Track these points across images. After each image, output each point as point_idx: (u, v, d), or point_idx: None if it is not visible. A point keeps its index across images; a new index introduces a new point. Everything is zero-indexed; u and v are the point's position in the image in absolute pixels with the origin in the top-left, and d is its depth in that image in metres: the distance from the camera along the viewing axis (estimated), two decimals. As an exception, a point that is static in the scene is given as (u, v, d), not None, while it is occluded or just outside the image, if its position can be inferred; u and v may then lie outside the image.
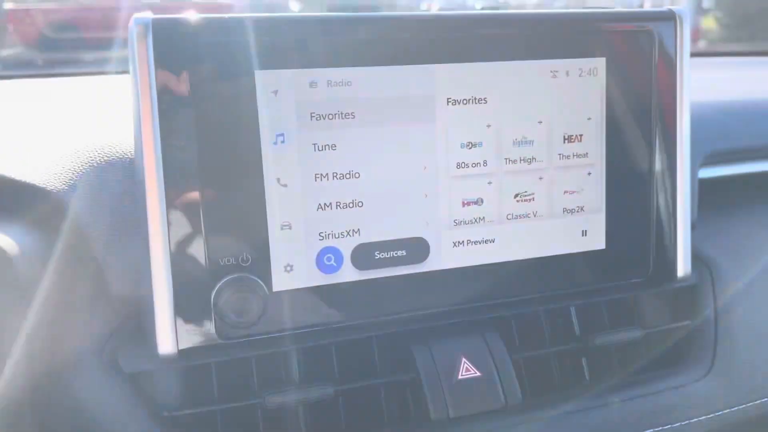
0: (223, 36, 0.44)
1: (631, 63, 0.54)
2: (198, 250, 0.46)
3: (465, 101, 0.50)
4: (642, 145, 0.55)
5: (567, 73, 0.52)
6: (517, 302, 0.54)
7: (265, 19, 0.45)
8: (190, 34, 0.44)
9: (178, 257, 0.45)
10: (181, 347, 0.46)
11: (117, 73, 0.93)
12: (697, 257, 0.63)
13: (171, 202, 0.45)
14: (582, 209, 0.54)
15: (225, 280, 0.46)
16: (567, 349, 0.57)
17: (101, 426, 0.46)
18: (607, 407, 0.53)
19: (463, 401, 0.50)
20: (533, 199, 0.53)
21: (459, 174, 0.51)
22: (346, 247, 0.49)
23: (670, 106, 0.55)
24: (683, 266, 0.58)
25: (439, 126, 0.50)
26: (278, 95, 0.46)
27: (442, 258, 0.51)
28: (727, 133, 0.69)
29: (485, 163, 0.51)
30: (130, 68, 0.44)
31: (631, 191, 0.55)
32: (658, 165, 0.56)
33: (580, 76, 0.53)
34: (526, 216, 0.53)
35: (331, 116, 0.47)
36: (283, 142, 0.46)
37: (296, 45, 0.46)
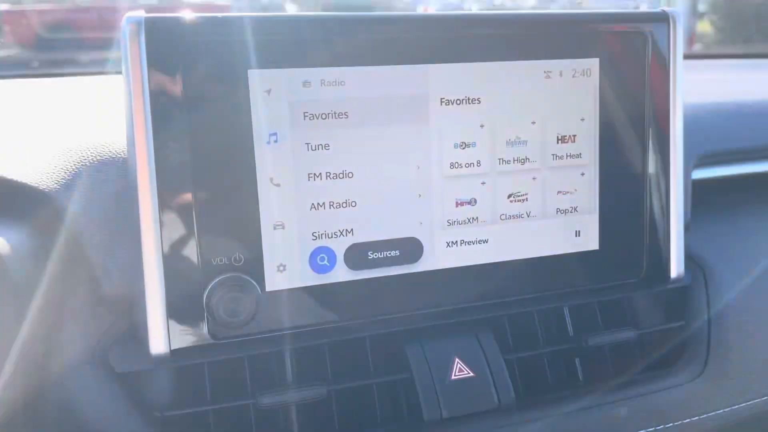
0: (216, 35, 0.44)
1: (624, 64, 0.54)
2: (190, 249, 0.45)
3: (458, 101, 0.50)
4: (635, 146, 0.55)
5: (560, 74, 0.52)
6: (511, 303, 0.54)
7: (258, 19, 0.45)
8: (183, 32, 0.44)
9: (171, 257, 0.45)
10: (173, 347, 0.46)
11: (110, 73, 0.93)
12: (690, 258, 0.64)
13: (163, 201, 0.44)
14: (575, 210, 0.54)
15: (217, 279, 0.46)
16: (560, 350, 0.57)
17: (92, 426, 0.46)
18: (600, 408, 0.53)
19: (456, 402, 0.50)
20: (527, 199, 0.53)
21: (452, 174, 0.51)
22: (340, 247, 0.49)
23: (664, 107, 0.55)
24: (676, 267, 0.58)
25: (432, 126, 0.50)
26: (271, 94, 0.46)
27: (436, 258, 0.51)
28: (721, 134, 0.69)
29: (479, 163, 0.51)
30: (123, 67, 0.44)
31: (624, 192, 0.56)
32: (651, 166, 0.56)
33: (573, 76, 0.53)
34: (520, 216, 0.53)
35: (324, 116, 0.47)
36: (276, 141, 0.46)
37: (289, 44, 0.46)
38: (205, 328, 0.46)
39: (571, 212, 0.54)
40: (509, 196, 0.53)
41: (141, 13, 0.43)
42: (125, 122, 0.45)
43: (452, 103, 0.50)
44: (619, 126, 0.54)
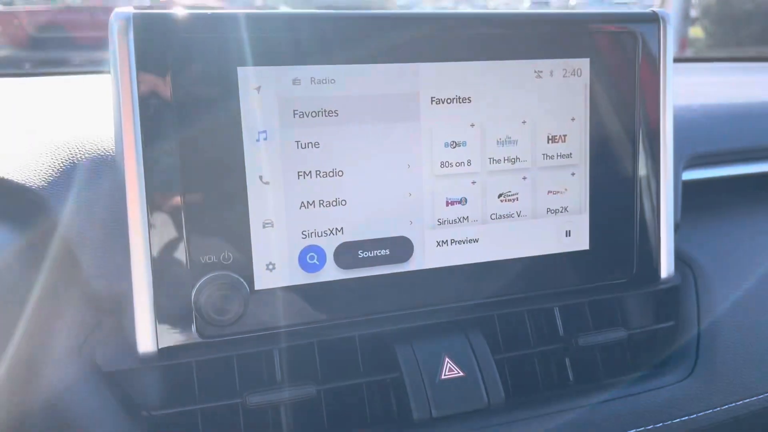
0: (206, 31, 0.44)
1: (615, 64, 0.54)
2: (179, 247, 0.45)
3: (449, 100, 0.50)
4: (625, 146, 0.55)
5: (551, 73, 0.52)
6: (501, 302, 0.54)
7: (248, 15, 0.45)
8: (172, 29, 0.43)
9: (159, 255, 0.45)
10: (161, 346, 0.45)
11: (101, 72, 0.93)
12: (680, 258, 0.64)
13: (152, 199, 0.44)
14: (566, 210, 0.55)
15: (206, 278, 0.46)
16: (550, 350, 0.57)
17: (79, 426, 0.46)
18: (590, 408, 0.53)
19: (446, 401, 0.50)
20: (517, 199, 0.53)
21: (443, 173, 0.51)
22: (329, 245, 0.49)
23: (654, 108, 0.55)
24: (666, 267, 0.58)
25: (423, 125, 0.50)
26: (261, 92, 0.46)
27: (426, 257, 0.51)
28: (711, 135, 0.69)
29: (469, 162, 0.51)
30: (111, 63, 0.43)
31: (614, 192, 0.56)
32: (641, 166, 0.56)
33: (564, 76, 0.53)
34: (510, 216, 0.53)
35: (314, 114, 0.47)
36: (265, 139, 0.46)
37: (280, 41, 0.46)
38: (193, 327, 0.46)
39: (561, 212, 0.54)
40: (499, 196, 0.53)
41: (129, 9, 0.43)
42: (113, 119, 0.44)
43: (443, 102, 0.50)
44: (609, 126, 0.54)
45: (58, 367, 0.46)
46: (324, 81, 0.47)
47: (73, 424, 0.45)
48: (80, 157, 0.50)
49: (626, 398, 0.55)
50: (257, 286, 0.47)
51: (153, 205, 0.44)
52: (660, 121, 0.56)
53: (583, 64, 0.53)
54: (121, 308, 0.47)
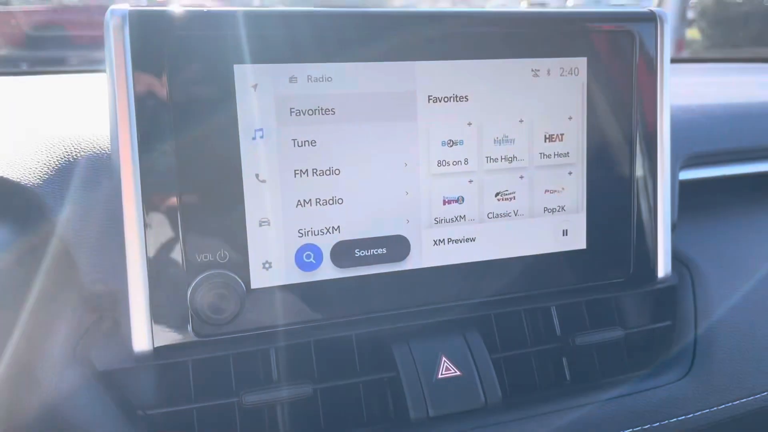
0: (202, 29, 0.44)
1: (612, 63, 0.54)
2: (175, 246, 0.45)
3: (446, 99, 0.50)
4: (623, 146, 0.55)
5: (548, 72, 0.52)
6: (498, 301, 0.54)
7: (245, 13, 0.45)
8: (169, 26, 0.43)
9: (155, 253, 0.45)
10: (156, 345, 0.45)
11: (99, 71, 0.93)
12: (677, 258, 0.64)
13: (148, 197, 0.44)
14: (563, 209, 0.54)
15: (202, 276, 0.46)
16: (547, 349, 0.57)
17: (74, 426, 0.45)
18: (587, 407, 0.53)
19: (442, 400, 0.50)
20: (514, 198, 0.53)
21: (440, 172, 0.51)
22: (326, 244, 0.49)
23: (651, 107, 0.55)
24: (663, 267, 0.58)
25: (420, 123, 0.50)
26: (257, 90, 0.45)
27: (423, 256, 0.51)
28: (708, 135, 0.69)
29: (466, 161, 0.51)
30: (106, 60, 0.43)
31: (611, 191, 0.56)
32: (638, 165, 0.56)
33: (561, 75, 0.53)
34: (507, 215, 0.53)
35: (311, 112, 0.47)
36: (261, 137, 0.46)
37: (277, 39, 0.46)
38: (189, 326, 0.46)
39: (558, 211, 0.54)
40: (497, 195, 0.53)
41: (125, 6, 0.43)
42: (109, 117, 0.44)
43: (440, 101, 0.50)
44: (606, 125, 0.54)
45: (54, 367, 0.46)
46: (321, 79, 0.47)
47: (68, 424, 0.45)
48: (77, 155, 0.50)
49: (623, 398, 0.55)
50: (253, 285, 0.47)
51: (149, 203, 0.44)
52: (657, 120, 0.56)
53: (581, 63, 0.53)
54: (116, 307, 0.47)
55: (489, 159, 0.52)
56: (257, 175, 0.46)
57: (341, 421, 0.51)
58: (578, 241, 0.55)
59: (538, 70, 0.52)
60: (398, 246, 0.50)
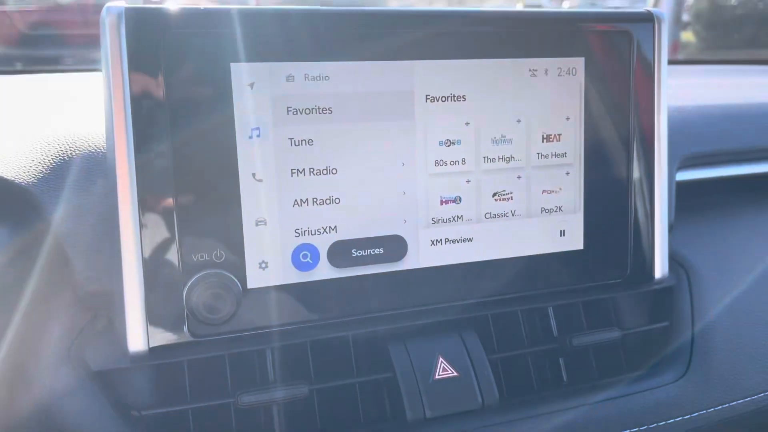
0: (199, 27, 0.44)
1: (609, 63, 0.54)
2: (170, 245, 0.45)
3: (444, 98, 0.50)
4: (620, 146, 0.55)
5: (546, 72, 0.52)
6: (495, 302, 0.54)
7: (242, 11, 0.45)
8: (165, 24, 0.43)
9: (150, 253, 0.44)
10: (152, 345, 0.45)
11: (95, 70, 0.92)
12: (674, 259, 0.64)
13: (143, 195, 0.44)
14: (560, 209, 0.54)
15: (198, 276, 0.45)
16: (545, 350, 0.57)
17: (68, 426, 0.45)
18: (584, 408, 0.53)
19: (439, 401, 0.50)
20: (511, 198, 0.53)
21: (437, 172, 0.51)
22: (323, 244, 0.48)
23: (648, 107, 0.55)
24: (661, 268, 0.58)
25: (417, 123, 0.49)
26: (254, 88, 0.45)
27: (420, 256, 0.51)
28: (705, 136, 0.69)
29: (464, 161, 0.51)
30: (102, 58, 0.43)
31: (609, 192, 0.55)
32: (636, 166, 0.56)
33: (559, 75, 0.53)
34: (504, 215, 0.53)
35: (308, 111, 0.47)
36: (258, 136, 0.46)
37: (274, 38, 0.45)
38: (184, 326, 0.46)
39: (555, 211, 0.54)
40: (494, 195, 0.52)
41: (121, 3, 0.43)
42: (104, 115, 0.44)
43: (437, 100, 0.50)
44: (604, 125, 0.54)
45: (48, 367, 0.46)
46: (318, 78, 0.47)
47: (62, 424, 0.45)
48: (72, 154, 0.50)
49: (620, 399, 0.54)
50: (250, 285, 0.47)
51: (144, 202, 0.44)
52: (654, 120, 0.56)
53: (578, 63, 0.53)
54: (111, 306, 0.46)
55: (486, 159, 0.52)
56: (254, 175, 0.46)
57: (337, 422, 0.51)
58: (575, 241, 0.55)
59: (536, 70, 0.52)
60: (395, 246, 0.50)
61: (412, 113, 0.49)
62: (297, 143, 0.47)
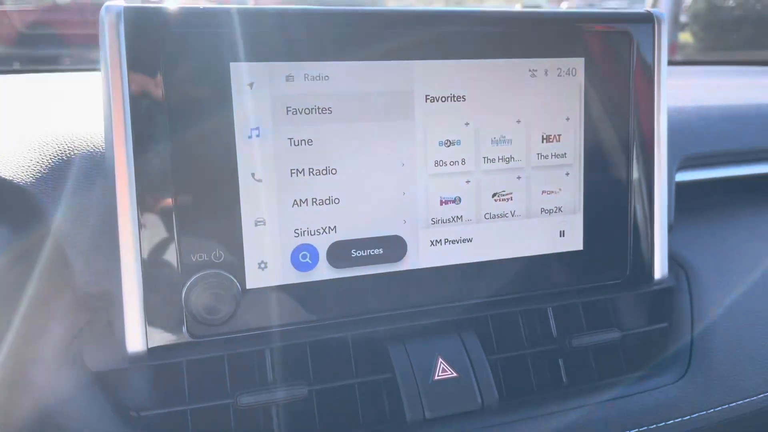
0: (198, 26, 0.43)
1: (609, 64, 0.54)
2: (169, 245, 0.45)
3: (443, 98, 0.50)
4: (620, 147, 0.55)
5: (546, 72, 0.52)
6: (495, 302, 0.54)
7: (241, 11, 0.44)
8: (164, 23, 0.43)
9: (149, 252, 0.44)
10: (150, 345, 0.45)
11: (94, 70, 0.92)
12: (673, 260, 0.64)
13: (142, 196, 0.43)
14: (560, 210, 0.54)
15: (197, 276, 0.45)
16: (544, 350, 0.57)
17: (67, 426, 0.45)
18: (583, 409, 0.53)
19: (439, 402, 0.50)
20: (511, 198, 0.53)
21: (437, 172, 0.50)
22: (322, 244, 0.48)
23: (648, 108, 0.55)
24: (660, 268, 0.58)
25: (417, 123, 0.49)
26: (254, 88, 0.45)
27: (419, 257, 0.51)
28: (705, 137, 0.69)
29: (463, 161, 0.51)
30: (101, 57, 0.43)
31: (608, 192, 0.55)
32: (635, 167, 0.56)
33: (558, 75, 0.53)
34: (504, 216, 0.53)
35: (307, 111, 0.47)
36: (258, 136, 0.46)
37: (273, 37, 0.45)
38: (183, 326, 0.45)
39: (555, 212, 0.54)
40: (494, 195, 0.52)
41: (121, 2, 0.42)
42: (103, 114, 0.44)
43: (437, 101, 0.50)
44: (603, 126, 0.54)
45: (46, 368, 0.46)
46: (318, 78, 0.46)
47: (61, 425, 0.44)
48: (70, 154, 0.50)
49: (620, 400, 0.54)
50: (249, 285, 0.47)
51: (143, 202, 0.44)
52: (654, 121, 0.56)
53: (578, 63, 0.53)
54: (109, 306, 0.46)
55: (486, 159, 0.52)
56: (253, 175, 0.46)
57: (337, 423, 0.51)
58: (575, 242, 0.55)
59: (536, 71, 0.52)
60: (395, 246, 0.50)
61: (412, 113, 0.49)
62: (296, 143, 0.47)
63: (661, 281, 0.58)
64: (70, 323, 0.47)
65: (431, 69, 0.49)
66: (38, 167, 0.48)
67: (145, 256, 0.44)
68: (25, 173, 0.48)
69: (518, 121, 0.52)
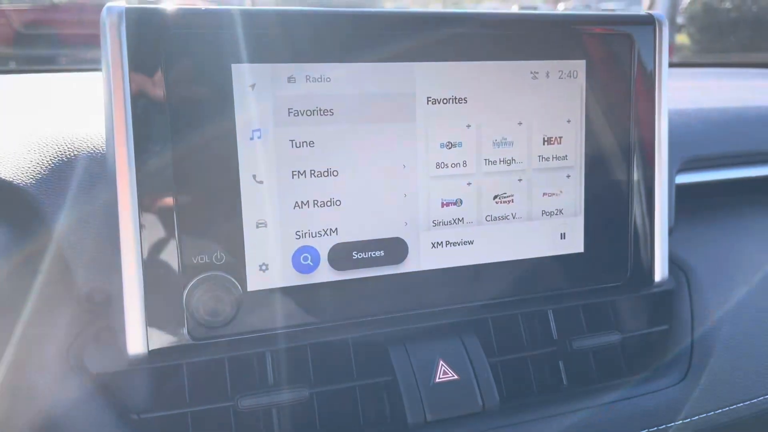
0: (200, 27, 0.43)
1: (610, 66, 0.54)
2: (170, 247, 0.44)
3: (445, 101, 0.50)
4: (621, 149, 0.55)
5: (547, 75, 0.52)
6: (495, 305, 0.54)
7: (244, 12, 0.44)
8: (166, 24, 0.43)
9: (150, 254, 0.44)
10: (151, 347, 0.45)
11: (93, 70, 0.92)
12: (674, 262, 0.64)
13: (143, 197, 0.43)
14: (561, 212, 0.54)
15: (198, 278, 0.45)
16: (545, 353, 0.56)
17: (66, 429, 0.44)
18: (584, 411, 0.53)
19: (440, 404, 0.50)
20: (512, 200, 0.53)
21: (438, 174, 0.50)
22: (323, 246, 0.48)
23: (649, 110, 0.55)
24: (660, 271, 0.58)
25: (418, 125, 0.49)
26: (255, 90, 0.45)
27: (421, 259, 0.51)
28: (705, 139, 0.70)
29: (465, 163, 0.51)
30: (102, 58, 0.42)
31: (609, 195, 0.55)
32: (636, 169, 0.56)
33: (560, 77, 0.53)
34: (505, 218, 0.53)
35: (309, 112, 0.46)
36: (259, 137, 0.46)
37: (275, 39, 0.45)
38: (184, 329, 0.45)
39: (556, 214, 0.54)
40: (495, 197, 0.52)
41: (122, 3, 0.42)
42: (104, 116, 0.44)
43: (439, 103, 0.50)
44: (604, 128, 0.54)
45: (47, 370, 0.45)
46: (319, 79, 0.46)
47: (61, 427, 0.44)
48: (70, 155, 0.49)
49: (620, 402, 0.54)
50: (250, 287, 0.46)
51: (144, 204, 0.43)
52: (655, 123, 0.56)
53: (579, 65, 0.53)
54: (110, 308, 0.46)
55: (488, 161, 0.52)
56: (254, 176, 0.46)
57: (338, 426, 0.51)
58: (576, 244, 0.55)
59: (537, 73, 0.52)
60: (396, 248, 0.50)
61: (414, 115, 0.49)
62: (298, 145, 0.46)
63: (661, 283, 0.58)
64: (70, 325, 0.47)
65: (433, 71, 0.49)
66: (38, 168, 0.48)
67: (146, 257, 0.44)
68: (25, 174, 0.48)
69: (519, 123, 0.52)
